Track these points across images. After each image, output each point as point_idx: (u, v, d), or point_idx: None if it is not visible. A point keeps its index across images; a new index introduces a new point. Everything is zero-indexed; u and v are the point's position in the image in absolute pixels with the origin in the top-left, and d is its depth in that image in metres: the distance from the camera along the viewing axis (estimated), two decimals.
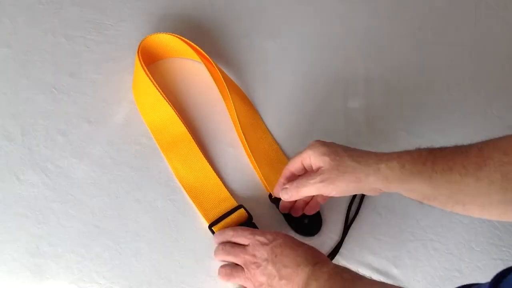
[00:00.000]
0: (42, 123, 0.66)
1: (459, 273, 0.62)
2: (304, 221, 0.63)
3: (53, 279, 0.58)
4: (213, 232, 0.60)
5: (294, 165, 0.57)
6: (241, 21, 0.74)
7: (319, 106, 0.70)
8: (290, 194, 0.56)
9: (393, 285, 0.46)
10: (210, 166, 0.63)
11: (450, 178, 0.47)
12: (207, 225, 0.60)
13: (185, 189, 0.62)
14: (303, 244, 0.55)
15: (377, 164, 0.51)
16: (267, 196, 0.64)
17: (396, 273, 0.61)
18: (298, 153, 0.57)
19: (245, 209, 0.61)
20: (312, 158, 0.55)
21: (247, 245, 0.56)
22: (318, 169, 0.54)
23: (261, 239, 0.55)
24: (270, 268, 0.53)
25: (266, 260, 0.53)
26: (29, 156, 0.64)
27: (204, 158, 0.64)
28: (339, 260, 0.61)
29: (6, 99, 0.67)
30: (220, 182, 0.63)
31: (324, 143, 0.55)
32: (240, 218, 0.61)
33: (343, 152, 0.53)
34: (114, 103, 0.68)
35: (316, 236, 0.62)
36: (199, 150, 0.64)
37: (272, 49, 0.73)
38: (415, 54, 0.74)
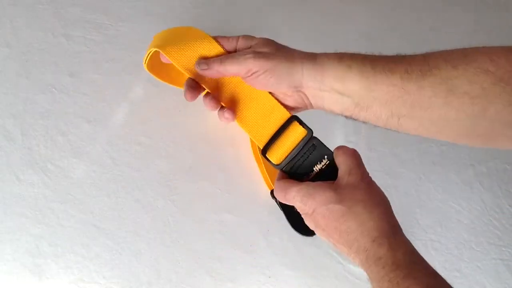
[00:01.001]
0: (42, 123, 0.66)
1: (459, 273, 0.62)
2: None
3: (53, 279, 0.58)
4: (268, 160, 0.48)
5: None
6: (241, 21, 0.74)
7: None
8: (210, 67, 0.47)
9: None
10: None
11: (390, 80, 0.42)
12: (261, 149, 0.49)
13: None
14: (346, 212, 0.42)
15: (314, 56, 0.46)
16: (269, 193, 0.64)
17: None
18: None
19: (300, 122, 0.48)
20: (240, 40, 0.48)
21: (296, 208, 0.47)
22: (249, 47, 0.47)
23: (302, 207, 0.45)
24: (325, 236, 0.44)
25: (316, 229, 0.45)
26: (29, 156, 0.64)
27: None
28: (339, 259, 0.61)
29: (6, 99, 0.67)
30: (266, 92, 0.49)
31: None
32: (295, 136, 0.48)
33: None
34: (114, 103, 0.68)
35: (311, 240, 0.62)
36: None
37: None
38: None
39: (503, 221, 0.65)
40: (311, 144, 0.47)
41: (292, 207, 0.62)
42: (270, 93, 0.48)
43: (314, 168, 0.47)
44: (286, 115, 0.48)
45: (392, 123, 0.44)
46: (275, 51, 0.46)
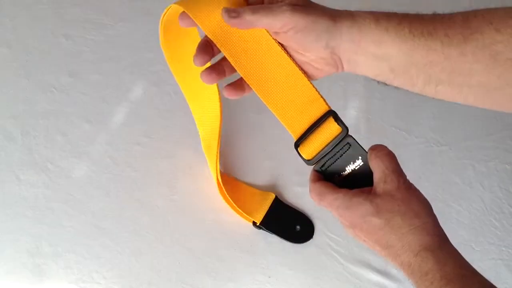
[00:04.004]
0: (42, 123, 0.66)
1: None
2: (295, 228, 0.62)
3: (53, 279, 0.58)
4: (299, 155, 0.45)
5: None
6: None
7: None
8: (240, 16, 0.39)
9: None
10: (294, 64, 0.44)
11: (430, 45, 0.39)
12: (294, 141, 0.45)
13: (262, 98, 0.44)
14: (385, 226, 0.39)
15: (351, 14, 0.41)
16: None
17: (396, 273, 0.61)
18: None
19: (336, 118, 0.44)
20: None
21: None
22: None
23: (339, 218, 0.43)
24: (367, 245, 0.43)
25: (357, 238, 0.43)
26: (29, 156, 0.64)
27: (288, 59, 0.43)
28: (339, 259, 0.61)
29: (6, 99, 0.67)
30: (306, 80, 0.44)
31: None
32: (329, 133, 0.44)
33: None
34: (114, 103, 0.68)
35: (311, 240, 0.63)
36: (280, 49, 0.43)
37: None
38: None
39: (503, 221, 0.65)
40: (346, 143, 0.44)
41: (280, 227, 0.62)
42: (295, 58, 0.44)
43: (346, 168, 0.45)
44: (325, 108, 0.44)
45: (429, 90, 0.41)
46: (311, 5, 0.41)
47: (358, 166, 0.45)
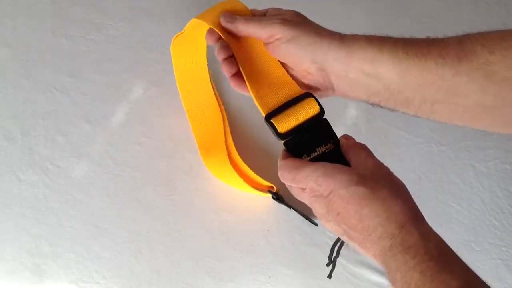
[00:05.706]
0: (42, 123, 0.66)
1: None
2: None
3: (53, 279, 0.58)
4: (271, 125, 0.45)
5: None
6: None
7: None
8: (234, 22, 0.46)
9: None
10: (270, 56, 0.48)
11: (424, 65, 0.40)
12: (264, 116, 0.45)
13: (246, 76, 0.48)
14: (370, 195, 0.39)
15: (342, 36, 0.43)
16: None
17: None
18: None
19: (315, 99, 0.45)
20: (270, 10, 0.47)
21: (305, 189, 0.43)
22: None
23: (316, 188, 0.41)
24: (335, 226, 0.41)
25: (326, 216, 0.42)
26: (29, 156, 0.64)
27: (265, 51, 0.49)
28: (340, 259, 0.61)
29: (6, 99, 0.67)
30: (281, 66, 0.48)
31: None
32: (307, 111, 0.45)
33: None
34: (114, 103, 0.68)
35: (311, 240, 0.63)
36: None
37: None
38: None
39: (503, 221, 0.65)
40: (320, 124, 0.45)
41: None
42: (288, 72, 0.47)
43: (316, 149, 0.45)
44: (299, 90, 0.46)
45: (424, 110, 0.42)
46: (304, 22, 0.44)
47: (328, 150, 0.45)
